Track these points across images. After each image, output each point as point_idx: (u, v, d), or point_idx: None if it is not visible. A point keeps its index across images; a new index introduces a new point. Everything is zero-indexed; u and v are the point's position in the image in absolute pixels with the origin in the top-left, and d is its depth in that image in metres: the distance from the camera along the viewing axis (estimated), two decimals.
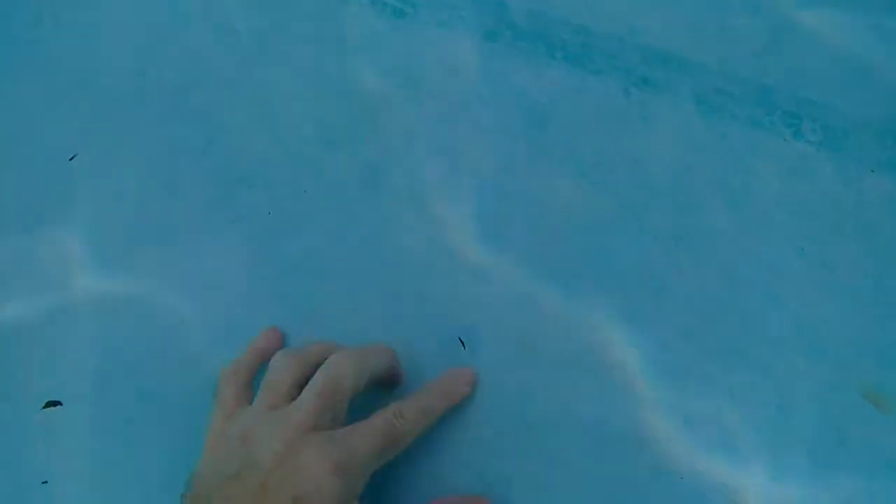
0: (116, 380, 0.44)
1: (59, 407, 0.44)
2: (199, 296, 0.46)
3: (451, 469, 0.40)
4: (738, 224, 0.43)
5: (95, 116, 0.50)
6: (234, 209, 0.47)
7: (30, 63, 0.52)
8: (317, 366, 0.38)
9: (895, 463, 0.39)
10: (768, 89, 0.47)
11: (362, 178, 0.47)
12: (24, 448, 0.43)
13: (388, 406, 0.37)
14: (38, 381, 0.44)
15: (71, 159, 0.50)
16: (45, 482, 0.42)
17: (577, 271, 0.43)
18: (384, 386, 0.41)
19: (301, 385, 0.37)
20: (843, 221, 0.43)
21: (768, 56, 0.47)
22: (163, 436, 0.43)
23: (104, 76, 0.51)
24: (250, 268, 0.46)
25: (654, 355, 0.41)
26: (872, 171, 0.44)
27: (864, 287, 0.42)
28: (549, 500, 0.39)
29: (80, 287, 0.46)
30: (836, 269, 0.42)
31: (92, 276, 0.46)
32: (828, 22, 0.48)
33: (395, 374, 0.41)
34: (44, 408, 0.44)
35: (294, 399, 0.36)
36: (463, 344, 0.42)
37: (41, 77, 0.52)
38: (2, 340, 0.45)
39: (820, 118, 0.46)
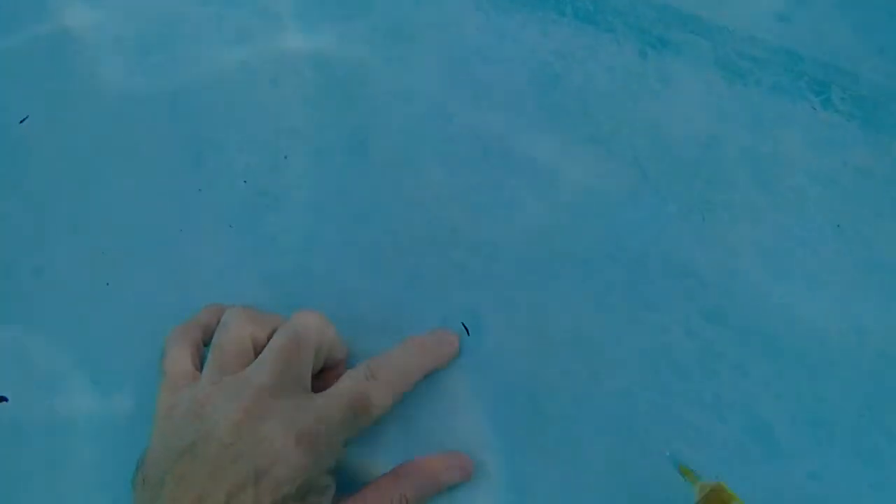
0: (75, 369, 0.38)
1: (4, 402, 0.38)
2: (162, 275, 0.40)
3: None
4: (769, 199, 0.39)
5: (46, 74, 0.44)
6: (202, 176, 0.41)
7: None
8: (274, 329, 0.33)
9: None
10: (794, 55, 0.43)
11: (349, 143, 0.41)
12: None
13: (357, 366, 0.32)
14: None
15: (21, 122, 0.43)
16: None
17: (592, 246, 0.38)
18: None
19: (258, 349, 0.32)
20: (878, 197, 0.40)
21: (793, 20, 0.44)
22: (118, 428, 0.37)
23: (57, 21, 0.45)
24: (220, 244, 0.40)
25: (680, 341, 0.36)
26: None
27: None
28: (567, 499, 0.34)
29: None
30: (874, 247, 0.38)
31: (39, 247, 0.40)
32: None
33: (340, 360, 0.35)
34: None
35: (250, 364, 0.32)
36: (467, 329, 0.37)
37: None
38: None
39: (849, 87, 0.42)
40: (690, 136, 0.41)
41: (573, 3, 0.44)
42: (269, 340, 0.32)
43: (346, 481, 0.33)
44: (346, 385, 0.32)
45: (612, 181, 0.39)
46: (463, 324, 0.37)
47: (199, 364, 0.33)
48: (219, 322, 0.34)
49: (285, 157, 0.41)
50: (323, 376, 0.35)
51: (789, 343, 0.36)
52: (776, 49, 0.43)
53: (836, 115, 0.42)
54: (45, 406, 0.37)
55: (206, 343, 0.34)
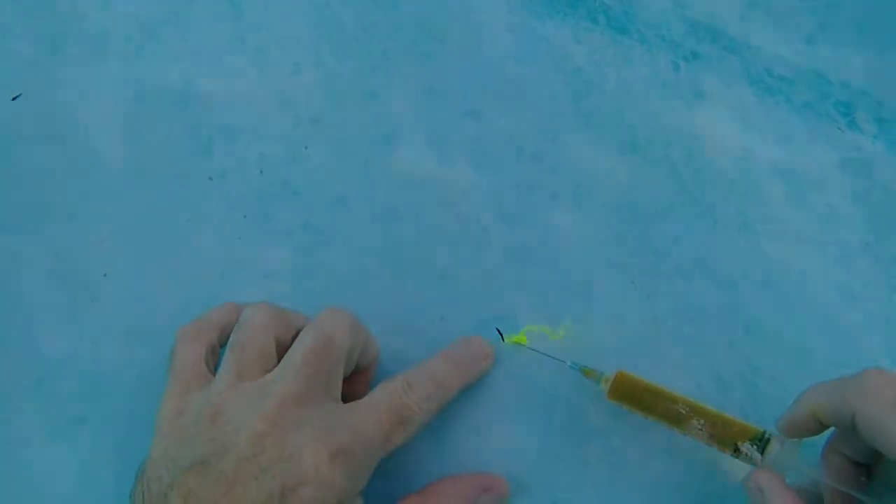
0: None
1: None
2: (167, 267, 0.36)
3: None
4: (802, 214, 0.39)
5: (44, 49, 0.41)
6: (213, 164, 0.39)
7: None
8: (300, 331, 0.29)
9: None
10: (821, 76, 0.43)
11: (375, 135, 0.39)
12: None
13: (392, 377, 0.30)
14: None
15: (14, 99, 0.39)
16: None
17: (632, 255, 0.37)
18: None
19: (282, 351, 0.29)
20: None
21: (818, 42, 0.44)
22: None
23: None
24: (232, 236, 0.37)
25: (720, 354, 0.35)
26: None
27: None
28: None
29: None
30: None
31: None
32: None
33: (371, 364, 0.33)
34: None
35: (272, 368, 0.28)
36: (501, 335, 0.35)
37: None
38: None
39: (873, 110, 0.43)
40: (725, 148, 0.40)
41: (606, 13, 0.43)
42: (293, 342, 0.29)
43: (374, 501, 0.30)
44: (381, 397, 0.29)
45: (649, 190, 0.38)
46: (498, 329, 0.35)
47: (213, 368, 0.30)
48: (237, 322, 0.30)
49: (305, 148, 0.39)
50: (351, 380, 0.32)
51: (824, 356, 0.36)
52: (804, 70, 0.43)
53: (862, 136, 0.42)
54: (34, 407, 0.34)
55: (223, 345, 0.31)
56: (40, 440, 0.34)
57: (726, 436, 0.29)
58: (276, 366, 0.28)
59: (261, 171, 0.38)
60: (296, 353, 0.28)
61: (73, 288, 0.36)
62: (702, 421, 0.29)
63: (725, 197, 0.39)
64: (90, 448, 0.33)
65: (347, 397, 0.29)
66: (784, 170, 0.40)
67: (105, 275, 0.37)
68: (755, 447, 0.28)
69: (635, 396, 0.30)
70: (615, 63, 0.41)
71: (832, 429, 0.29)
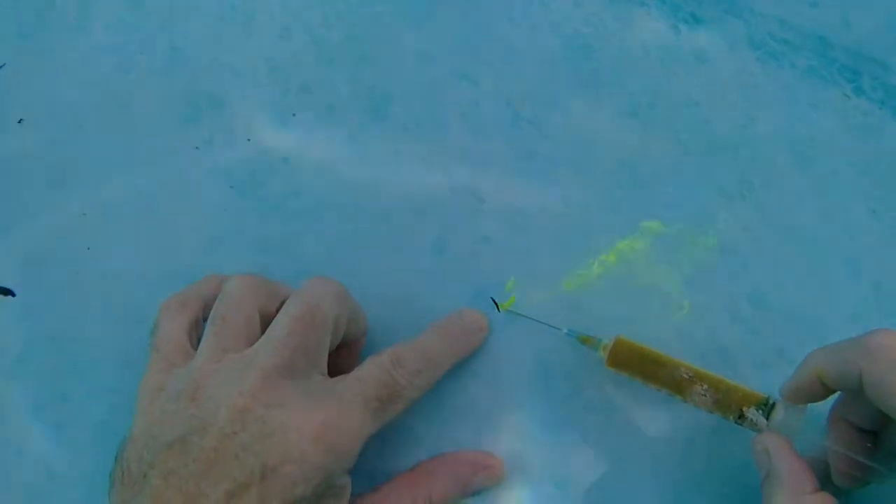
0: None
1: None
2: (152, 240, 0.35)
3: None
4: (806, 181, 0.38)
5: (24, 18, 0.39)
6: (199, 133, 0.37)
7: None
8: (284, 301, 0.28)
9: None
10: (825, 41, 0.42)
11: (365, 103, 0.38)
12: None
13: (381, 351, 0.28)
14: None
15: None
16: None
17: (633, 221, 0.36)
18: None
19: (266, 323, 0.28)
20: None
21: (822, 6, 0.43)
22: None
23: None
24: (218, 206, 0.36)
25: (723, 326, 0.34)
26: None
27: None
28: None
29: None
30: None
31: None
32: None
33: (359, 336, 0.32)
34: None
35: (256, 342, 0.27)
36: (497, 305, 0.34)
37: None
38: None
39: (880, 76, 0.41)
40: (727, 113, 0.39)
41: None
42: (278, 309, 0.28)
43: (362, 479, 0.29)
44: (369, 371, 0.27)
45: (651, 155, 0.37)
46: (493, 299, 0.34)
47: (197, 342, 0.29)
48: (219, 294, 0.29)
49: (294, 115, 0.38)
50: (338, 354, 0.30)
51: (829, 325, 0.35)
52: (808, 34, 0.42)
53: (869, 102, 0.40)
54: (17, 384, 0.33)
55: (206, 318, 0.30)
56: (23, 417, 0.33)
57: (731, 401, 0.28)
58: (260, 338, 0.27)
59: (248, 140, 0.37)
60: (280, 324, 0.27)
61: (55, 262, 0.35)
62: (705, 386, 0.28)
63: (728, 164, 0.37)
64: (74, 425, 0.32)
65: (334, 371, 0.28)
66: (788, 136, 0.39)
67: (88, 248, 0.36)
68: (760, 412, 0.27)
69: (635, 363, 0.29)
70: (614, 26, 0.40)
71: (836, 396, 0.28)
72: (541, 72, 0.39)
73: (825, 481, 0.28)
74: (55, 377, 0.33)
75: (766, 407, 0.27)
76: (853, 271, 0.36)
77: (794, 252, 0.36)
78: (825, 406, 0.29)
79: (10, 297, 0.34)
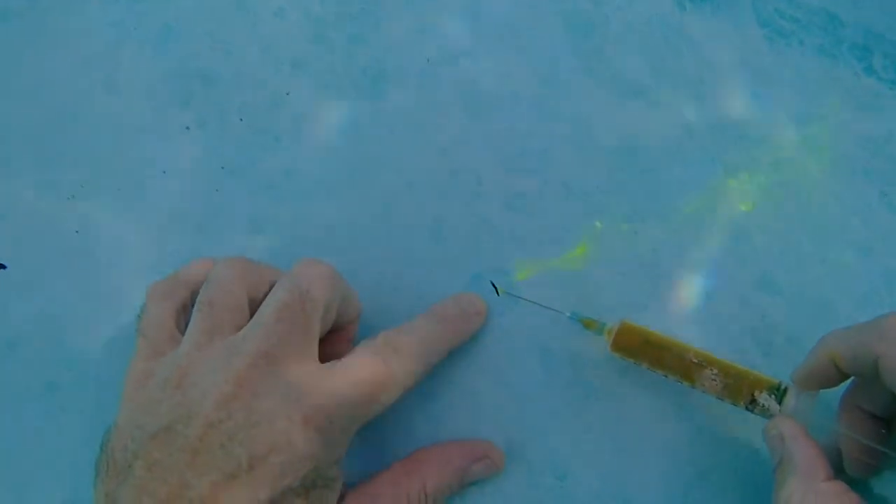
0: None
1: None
2: (141, 223, 0.34)
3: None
4: (818, 164, 0.37)
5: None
6: (190, 113, 0.36)
7: None
8: (273, 284, 0.27)
9: None
10: (835, 18, 0.41)
11: (364, 79, 0.37)
12: None
13: (375, 336, 0.27)
14: None
15: None
16: None
17: (638, 204, 0.35)
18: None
19: (254, 309, 0.27)
20: None
21: None
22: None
23: None
24: (210, 187, 0.35)
25: (731, 311, 0.33)
26: None
27: None
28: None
29: None
30: None
31: None
32: None
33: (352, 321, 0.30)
34: None
35: (245, 325, 0.26)
36: (496, 289, 0.32)
37: None
38: None
39: (891, 54, 0.40)
40: (734, 93, 0.38)
41: None
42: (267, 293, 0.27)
43: (356, 469, 0.28)
44: (362, 357, 0.26)
45: (655, 136, 0.36)
46: (492, 283, 0.32)
47: (185, 327, 0.27)
48: (207, 278, 0.28)
49: (287, 94, 0.37)
50: (330, 339, 0.29)
51: (840, 310, 0.34)
52: (816, 10, 0.40)
53: (880, 82, 0.39)
54: (4, 372, 0.31)
55: (194, 303, 0.29)
56: (11, 406, 0.32)
57: (741, 386, 0.27)
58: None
59: (241, 119, 0.36)
60: (268, 308, 0.26)
61: (44, 245, 0.34)
62: (715, 371, 0.27)
63: (735, 143, 0.36)
64: (62, 414, 0.31)
65: (326, 357, 0.27)
66: (797, 116, 0.38)
67: (77, 231, 0.34)
68: (773, 397, 0.26)
69: (641, 347, 0.28)
70: (617, 3, 0.39)
71: (849, 382, 0.27)
72: (541, 50, 0.37)
73: (836, 470, 0.27)
74: (42, 363, 0.32)
75: (779, 392, 0.26)
76: (864, 255, 0.35)
77: (804, 236, 0.35)
78: (835, 394, 0.28)
79: (1, 269, 0.33)
